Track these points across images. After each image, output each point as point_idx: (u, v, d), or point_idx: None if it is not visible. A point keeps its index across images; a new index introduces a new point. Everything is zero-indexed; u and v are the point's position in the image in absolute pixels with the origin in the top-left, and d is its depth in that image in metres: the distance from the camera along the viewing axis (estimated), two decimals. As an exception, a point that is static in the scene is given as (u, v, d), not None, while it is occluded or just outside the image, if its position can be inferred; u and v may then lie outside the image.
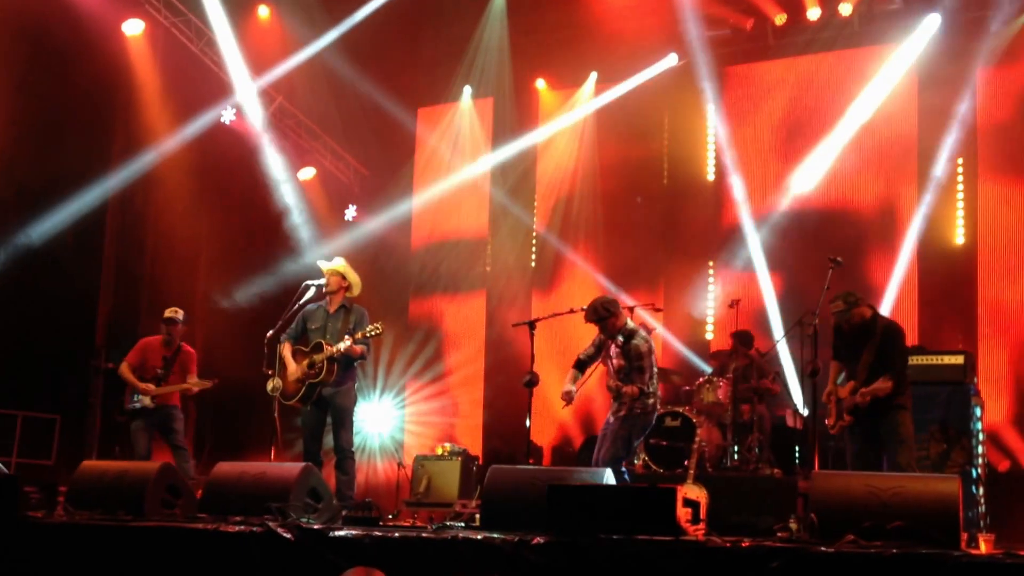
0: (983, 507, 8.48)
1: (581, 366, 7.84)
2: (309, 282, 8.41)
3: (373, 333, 8.00)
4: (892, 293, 10.75)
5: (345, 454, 8.08)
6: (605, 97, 12.73)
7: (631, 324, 7.78)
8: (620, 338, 7.60)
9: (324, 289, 8.31)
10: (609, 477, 6.24)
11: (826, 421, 7.45)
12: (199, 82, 11.69)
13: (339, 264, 8.40)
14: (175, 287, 11.84)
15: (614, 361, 7.62)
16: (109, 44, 10.95)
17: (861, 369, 7.25)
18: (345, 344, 7.93)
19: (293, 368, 8.10)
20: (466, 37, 12.54)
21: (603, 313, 7.59)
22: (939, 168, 10.96)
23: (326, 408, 8.15)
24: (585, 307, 7.81)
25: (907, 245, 11.02)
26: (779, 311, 11.31)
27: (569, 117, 12.97)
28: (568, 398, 7.66)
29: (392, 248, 13.41)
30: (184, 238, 11.92)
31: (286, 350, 8.21)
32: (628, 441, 7.62)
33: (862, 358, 7.26)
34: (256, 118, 12.15)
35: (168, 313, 9.31)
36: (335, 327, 8.15)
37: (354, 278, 8.39)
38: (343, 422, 8.12)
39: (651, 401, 7.64)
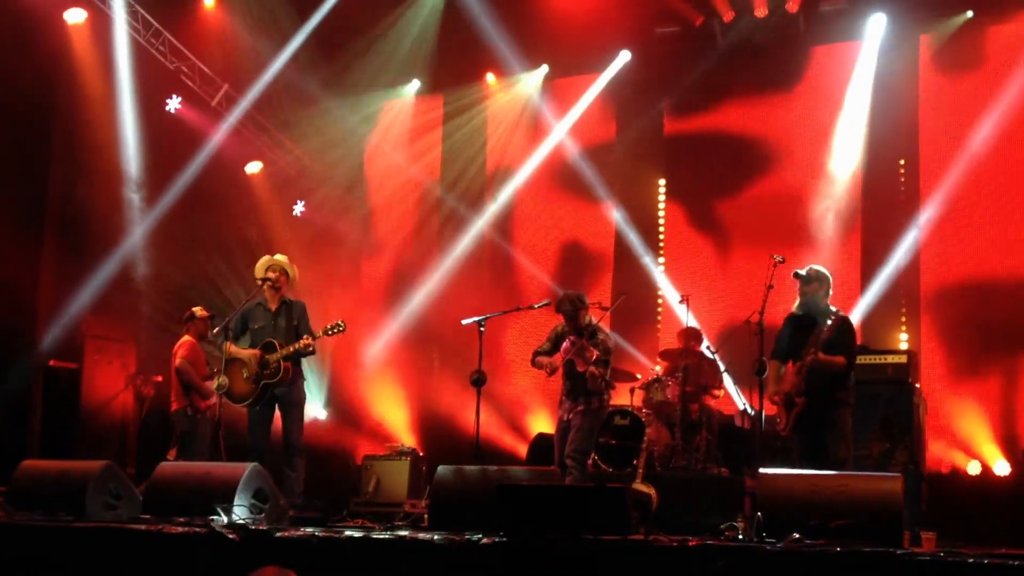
0: (925, 505, 8.61)
1: (547, 353, 8.03)
2: (261, 278, 8.34)
3: (337, 330, 7.97)
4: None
5: (295, 451, 8.03)
6: (557, 92, 12.73)
7: (595, 319, 8.03)
8: (587, 332, 7.76)
9: (270, 285, 8.22)
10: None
11: (777, 424, 7.49)
12: (144, 72, 11.50)
13: (283, 260, 8.35)
14: (118, 283, 11.66)
15: (589, 352, 7.73)
16: (50, 33, 10.73)
17: (807, 351, 7.31)
18: (308, 341, 7.90)
19: (245, 369, 8.00)
20: (415, 31, 12.44)
21: (579, 305, 7.90)
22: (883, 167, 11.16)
23: (274, 405, 8.07)
24: (555, 299, 8.11)
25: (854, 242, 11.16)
26: (727, 309, 11.38)
27: (518, 111, 12.95)
28: (553, 368, 7.89)
29: (342, 243, 13.31)
30: (127, 231, 11.72)
31: (232, 349, 8.10)
32: (591, 434, 7.90)
33: (810, 340, 7.32)
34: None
35: (203, 312, 9.37)
36: (280, 325, 8.10)
37: (294, 274, 8.37)
38: (295, 419, 8.07)
39: (606, 396, 7.98)
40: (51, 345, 11.00)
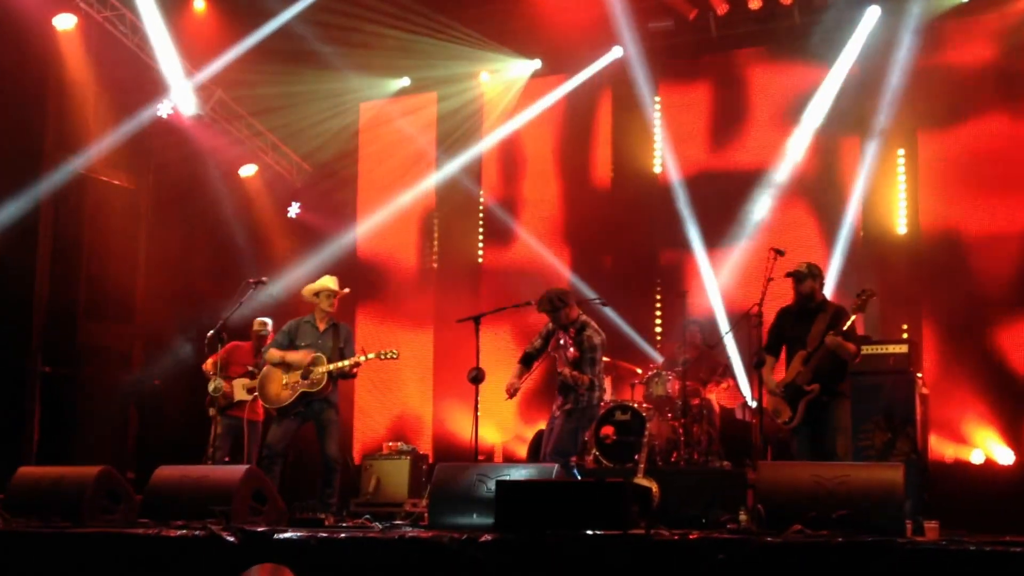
0: (928, 495, 8.57)
1: (528, 360, 7.96)
2: (251, 280, 8.37)
3: (389, 356, 8.13)
4: (833, 281, 10.76)
5: (334, 468, 8.16)
6: (550, 88, 12.67)
7: (583, 316, 7.83)
8: (572, 329, 7.68)
9: (323, 307, 8.33)
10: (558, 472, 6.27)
11: (778, 420, 7.45)
12: (135, 78, 11.45)
13: (335, 284, 8.41)
14: (113, 288, 11.62)
15: (568, 351, 7.69)
16: (39, 39, 10.68)
17: (812, 339, 7.29)
18: (360, 359, 8.09)
19: (285, 376, 8.12)
20: (407, 30, 12.39)
21: (557, 304, 7.71)
22: (878, 157, 11.13)
23: (304, 419, 8.14)
24: (536, 300, 7.91)
25: (850, 235, 11.11)
26: (724, 303, 11.33)
27: (512, 106, 12.89)
28: (512, 391, 7.80)
29: (338, 243, 13.27)
30: (122, 237, 11.69)
31: (275, 358, 8.21)
32: (575, 434, 7.74)
33: (812, 330, 7.30)
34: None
35: (258, 325, 9.61)
36: (326, 345, 8.25)
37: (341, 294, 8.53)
38: (332, 435, 8.21)
39: (597, 394, 7.81)
40: (47, 352, 10.95)
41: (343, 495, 10.41)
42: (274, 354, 8.25)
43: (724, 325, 10.84)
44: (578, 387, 7.58)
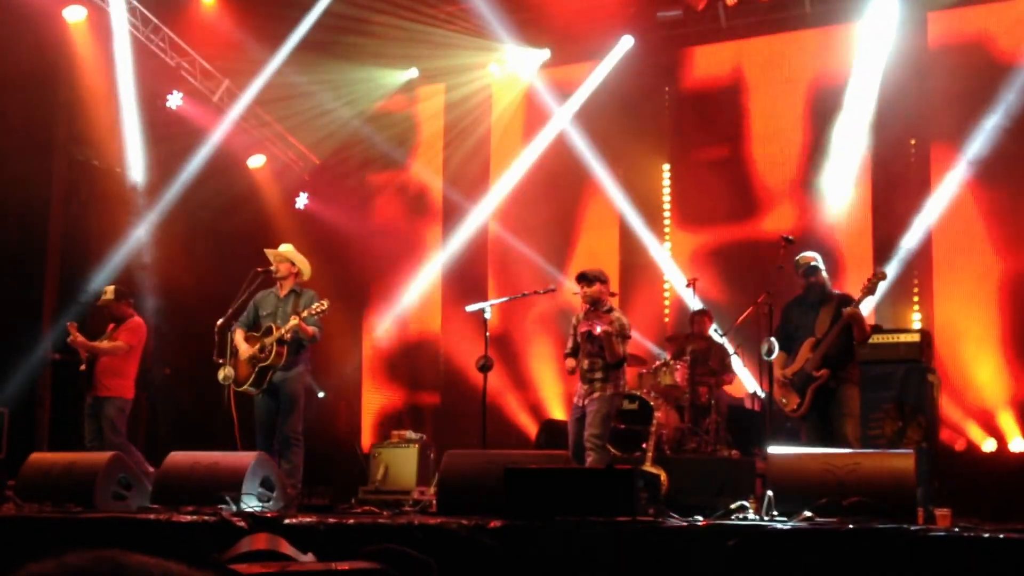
0: (939, 483, 8.56)
1: (573, 354, 8.03)
2: (259, 269, 8.36)
3: (319, 311, 7.96)
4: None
5: (290, 441, 8.00)
6: (557, 78, 12.63)
7: (611, 303, 8.07)
8: (602, 309, 7.84)
9: (274, 275, 8.27)
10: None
11: (787, 409, 7.46)
12: (146, 69, 11.45)
13: (286, 249, 8.36)
14: (122, 277, 11.62)
15: (596, 328, 7.73)
16: (49, 31, 10.69)
17: (820, 326, 7.31)
18: (293, 323, 7.87)
19: (245, 352, 8.03)
20: (415, 20, 12.36)
21: (600, 277, 7.91)
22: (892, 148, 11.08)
23: (277, 395, 8.07)
24: (541, 290, 7.93)
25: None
26: (733, 294, 11.29)
27: (520, 98, 12.85)
28: (572, 368, 8.05)
29: (348, 235, 13.27)
30: (131, 227, 11.69)
31: (239, 336, 8.15)
32: (608, 419, 7.92)
33: (819, 318, 7.33)
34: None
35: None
36: (285, 311, 8.13)
37: (303, 263, 8.36)
38: (291, 407, 8.06)
39: (622, 381, 7.97)
40: (57, 340, 10.98)
41: (351, 483, 10.45)
42: (234, 335, 8.21)
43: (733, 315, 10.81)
44: (623, 357, 7.73)
